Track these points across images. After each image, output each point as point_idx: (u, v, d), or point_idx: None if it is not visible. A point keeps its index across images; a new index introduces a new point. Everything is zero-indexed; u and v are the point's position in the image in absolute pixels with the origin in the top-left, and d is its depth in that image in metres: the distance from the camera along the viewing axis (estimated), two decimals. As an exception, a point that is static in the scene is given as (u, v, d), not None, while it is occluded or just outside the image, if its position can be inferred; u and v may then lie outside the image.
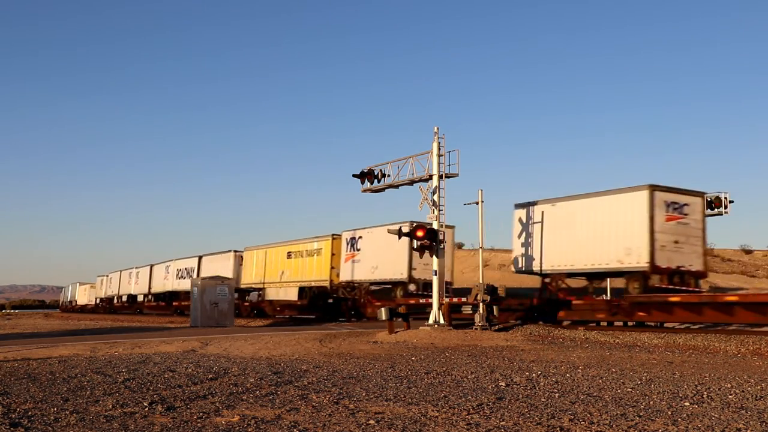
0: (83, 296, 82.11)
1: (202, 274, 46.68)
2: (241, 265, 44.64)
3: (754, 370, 12.49)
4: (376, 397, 8.99)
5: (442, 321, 22.13)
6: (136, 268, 63.53)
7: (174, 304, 53.08)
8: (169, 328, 30.41)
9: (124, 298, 66.37)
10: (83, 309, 79.72)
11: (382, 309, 23.29)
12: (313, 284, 37.04)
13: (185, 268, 51.73)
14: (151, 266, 59.28)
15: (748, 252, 57.09)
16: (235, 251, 45.45)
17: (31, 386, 10.14)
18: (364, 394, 9.25)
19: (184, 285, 49.32)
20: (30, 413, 7.87)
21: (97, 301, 75.77)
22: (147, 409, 8.12)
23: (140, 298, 62.48)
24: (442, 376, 11.39)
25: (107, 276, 72.90)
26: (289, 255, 39.41)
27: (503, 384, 10.35)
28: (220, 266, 45.98)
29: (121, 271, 68.19)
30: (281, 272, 39.78)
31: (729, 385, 10.22)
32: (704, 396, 9.16)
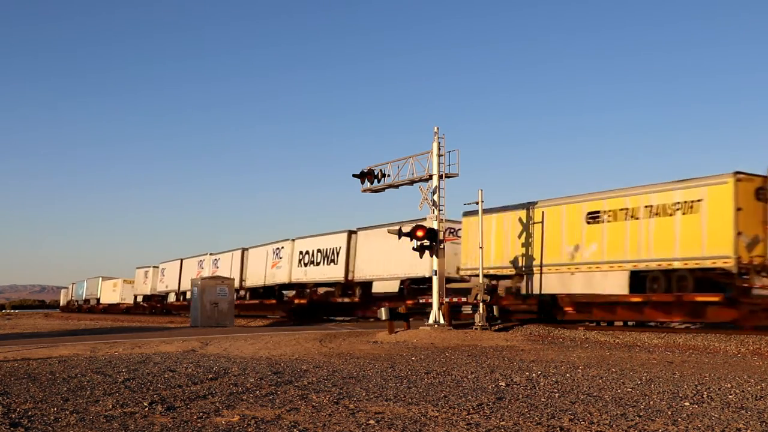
0: (111, 293, 68.07)
1: (359, 257, 33.91)
2: (454, 237, 29.35)
3: (754, 370, 12.49)
4: (376, 397, 8.99)
5: (442, 321, 22.13)
6: (212, 254, 49.23)
7: (298, 302, 37.78)
8: (169, 328, 30.43)
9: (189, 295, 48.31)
10: (110, 309, 66.50)
11: (382, 309, 23.32)
12: (675, 264, 20.74)
13: (320, 251, 36.50)
14: (244, 250, 45.03)
15: None
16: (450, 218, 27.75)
17: (31, 386, 10.14)
18: (364, 394, 9.25)
19: (316, 274, 36.49)
20: (30, 413, 7.87)
21: (139, 300, 62.26)
22: (147, 409, 8.12)
23: None
24: (442, 376, 11.39)
25: (156, 267, 58.59)
26: (594, 217, 23.13)
27: (503, 384, 10.35)
28: (397, 245, 26.88)
29: (182, 259, 53.57)
30: (575, 247, 23.77)
31: (729, 385, 10.22)
32: (704, 396, 9.16)
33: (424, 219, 23.60)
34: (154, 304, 59.27)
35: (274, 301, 41.13)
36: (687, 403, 8.51)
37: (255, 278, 42.79)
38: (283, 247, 40.16)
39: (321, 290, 37.57)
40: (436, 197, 22.52)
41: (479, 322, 22.24)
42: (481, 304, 22.47)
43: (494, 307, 23.22)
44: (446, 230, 27.09)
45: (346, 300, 35.24)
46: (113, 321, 45.63)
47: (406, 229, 23.06)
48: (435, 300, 22.37)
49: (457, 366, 13.17)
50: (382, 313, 22.98)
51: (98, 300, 71.06)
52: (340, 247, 35.30)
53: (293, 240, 39.70)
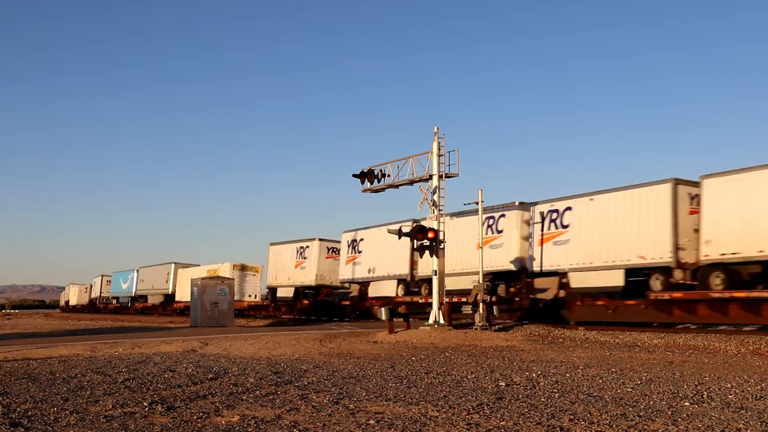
0: None
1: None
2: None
3: (754, 370, 12.49)
4: (376, 397, 8.99)
5: (442, 321, 22.13)
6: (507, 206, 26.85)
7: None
8: (169, 328, 30.41)
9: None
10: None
11: (382, 309, 23.32)
12: None
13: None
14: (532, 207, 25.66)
15: None
16: None
17: (31, 386, 10.14)
18: (364, 394, 9.24)
19: None
20: (30, 413, 7.86)
21: (283, 295, 40.52)
22: (147, 409, 8.12)
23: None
24: (442, 376, 11.38)
25: (324, 240, 38.40)
26: None
27: (503, 384, 10.35)
28: None
29: (415, 220, 28.08)
30: None
31: (729, 385, 10.22)
32: (704, 396, 9.16)
33: (425, 219, 23.60)
34: (330, 299, 37.00)
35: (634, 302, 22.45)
36: (687, 403, 8.51)
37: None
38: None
39: None
40: (436, 197, 22.52)
41: (479, 322, 22.25)
42: (481, 304, 22.48)
43: (494, 307, 23.23)
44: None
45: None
46: (113, 321, 45.62)
47: (405, 229, 23.07)
48: (435, 300, 22.38)
49: (457, 366, 13.17)
50: (382, 313, 22.98)
51: (169, 296, 50.39)
52: None
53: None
